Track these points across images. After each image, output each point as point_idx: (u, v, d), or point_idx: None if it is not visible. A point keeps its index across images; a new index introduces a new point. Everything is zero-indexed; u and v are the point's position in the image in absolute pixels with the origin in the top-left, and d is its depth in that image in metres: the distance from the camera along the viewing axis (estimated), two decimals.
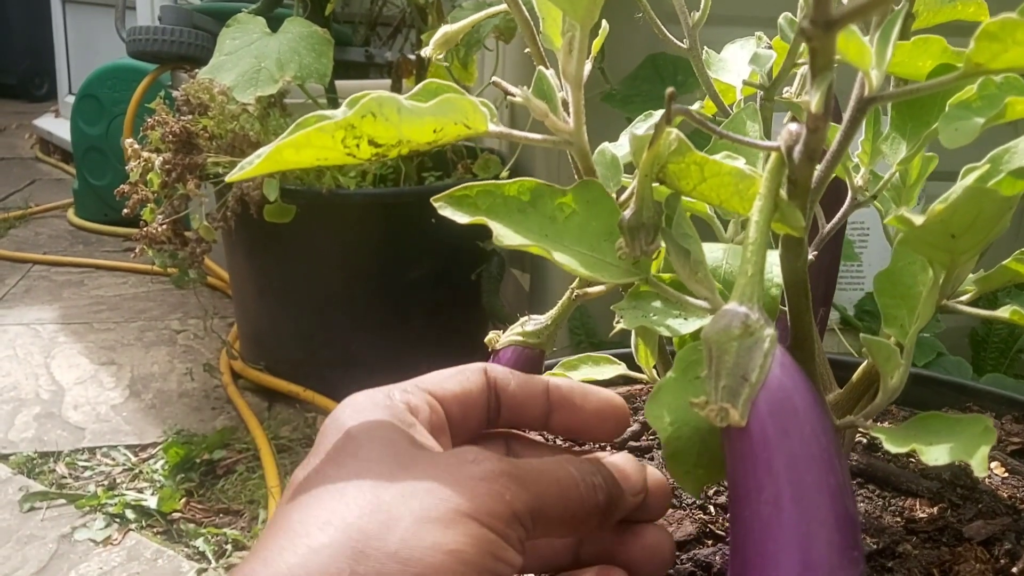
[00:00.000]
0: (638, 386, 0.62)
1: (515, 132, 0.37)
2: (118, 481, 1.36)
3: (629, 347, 0.51)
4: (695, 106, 0.54)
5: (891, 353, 0.38)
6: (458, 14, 1.28)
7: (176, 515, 1.28)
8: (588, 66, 0.40)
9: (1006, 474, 0.53)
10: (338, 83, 1.57)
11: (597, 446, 0.51)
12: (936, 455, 0.33)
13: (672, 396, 0.36)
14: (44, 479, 1.36)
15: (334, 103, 1.51)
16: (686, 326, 0.37)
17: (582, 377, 0.52)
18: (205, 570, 1.16)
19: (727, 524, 0.46)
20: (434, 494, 0.30)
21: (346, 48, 1.82)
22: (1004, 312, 0.38)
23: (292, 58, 1.31)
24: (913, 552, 0.44)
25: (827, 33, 0.24)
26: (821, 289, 0.56)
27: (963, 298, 0.41)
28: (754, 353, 0.29)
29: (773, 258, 0.37)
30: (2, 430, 1.49)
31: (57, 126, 3.34)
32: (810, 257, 0.44)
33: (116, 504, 1.28)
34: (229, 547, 1.21)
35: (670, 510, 0.48)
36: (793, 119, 0.30)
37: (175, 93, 1.39)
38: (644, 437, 0.56)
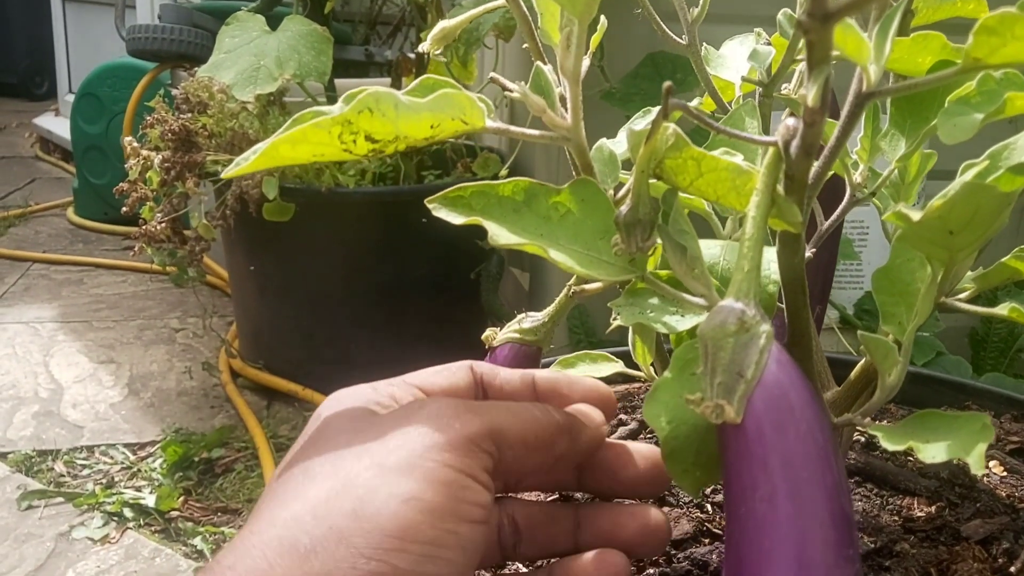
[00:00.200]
0: (636, 384, 0.62)
1: (512, 128, 0.37)
2: (116, 479, 1.36)
3: (627, 345, 0.51)
4: (694, 102, 0.53)
5: (889, 351, 0.38)
6: (458, 12, 1.28)
7: (174, 514, 1.28)
8: (586, 62, 0.40)
9: (1005, 473, 0.52)
10: (338, 82, 1.56)
11: None
12: (933, 453, 0.32)
13: (669, 395, 0.36)
14: (42, 477, 1.36)
15: (333, 102, 1.51)
16: (683, 323, 0.37)
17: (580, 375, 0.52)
18: (203, 569, 1.16)
19: (724, 523, 0.46)
20: (386, 444, 0.30)
21: (346, 47, 1.82)
22: (1003, 309, 0.38)
23: (291, 56, 1.31)
24: (911, 551, 0.44)
25: (824, 26, 0.24)
26: (819, 286, 0.56)
27: (962, 295, 0.41)
28: (750, 349, 0.29)
29: (770, 254, 0.37)
30: (1, 428, 1.49)
31: (57, 125, 3.34)
32: (808, 254, 0.44)
33: (114, 502, 1.28)
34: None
35: (666, 508, 0.48)
36: (792, 115, 0.30)
37: (174, 91, 1.39)
38: (642, 436, 0.56)
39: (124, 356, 1.77)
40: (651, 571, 0.44)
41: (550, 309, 0.46)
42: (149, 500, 1.29)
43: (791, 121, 0.28)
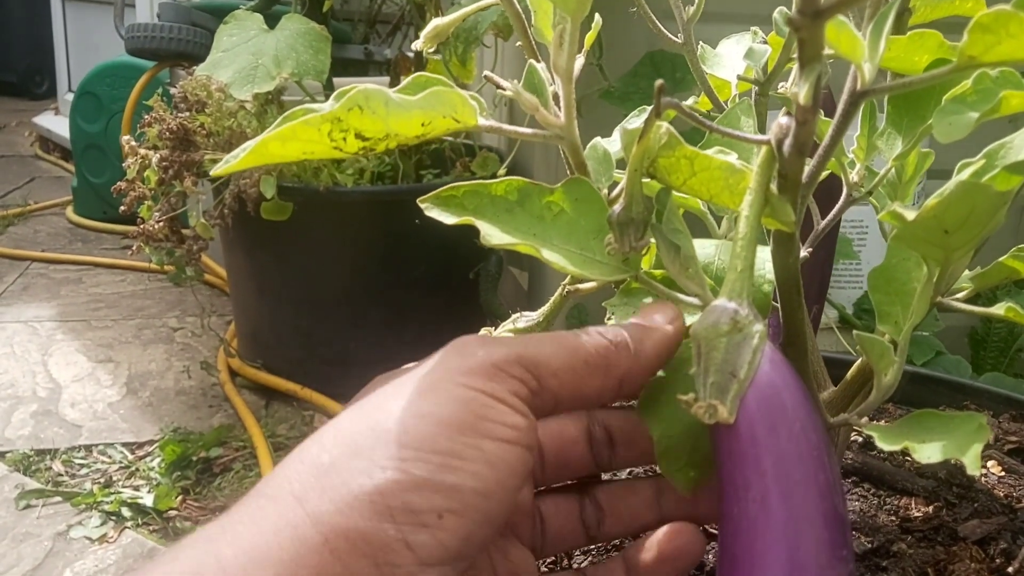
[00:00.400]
0: None
1: (505, 126, 0.36)
2: (114, 479, 1.36)
3: None
4: (689, 101, 0.53)
5: (885, 350, 0.38)
6: (456, 11, 1.28)
7: (172, 513, 1.28)
8: (581, 60, 0.39)
9: (1003, 473, 0.52)
10: (337, 80, 1.56)
11: None
12: (929, 453, 0.32)
13: (663, 394, 0.35)
14: (40, 477, 1.36)
15: None
16: None
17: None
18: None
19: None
20: (410, 377, 0.31)
21: (345, 45, 1.82)
22: (999, 309, 0.38)
23: (289, 55, 1.31)
24: (908, 551, 0.44)
25: (815, 23, 0.23)
26: (815, 286, 0.56)
27: (959, 295, 0.41)
28: (743, 349, 0.29)
29: (766, 254, 0.37)
30: None
31: (57, 123, 3.34)
32: (805, 254, 0.44)
33: (112, 502, 1.28)
34: None
35: None
36: (787, 113, 0.30)
37: (173, 90, 1.39)
38: None
39: (122, 355, 1.77)
40: None
41: (544, 308, 0.46)
42: (147, 499, 1.29)
43: (784, 120, 0.28)
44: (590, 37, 0.42)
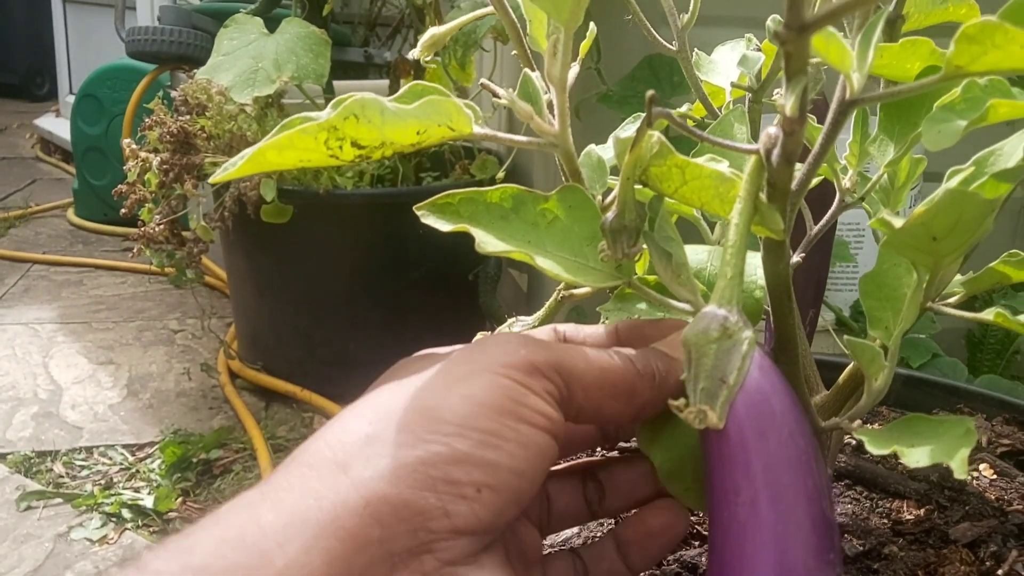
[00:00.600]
0: None
1: (500, 134, 0.37)
2: (115, 480, 1.36)
3: None
4: (684, 107, 0.54)
5: (875, 355, 0.38)
6: (456, 14, 1.28)
7: (172, 514, 1.28)
8: (576, 68, 0.40)
9: (994, 476, 0.53)
10: (337, 83, 1.57)
11: None
12: (917, 457, 0.33)
13: (660, 419, 0.36)
14: (41, 478, 1.36)
15: None
16: None
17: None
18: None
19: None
20: (453, 363, 0.32)
21: (345, 48, 1.82)
22: (988, 315, 0.38)
23: (289, 59, 1.31)
24: (899, 554, 0.44)
25: (800, 36, 0.24)
26: (811, 290, 0.56)
27: (951, 300, 0.41)
28: (732, 355, 0.29)
29: (758, 260, 0.37)
30: (0, 429, 1.49)
31: (58, 126, 3.35)
32: (798, 259, 0.45)
33: (112, 503, 1.28)
34: None
35: None
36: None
37: (173, 93, 1.39)
38: None
39: (123, 357, 1.77)
40: (641, 574, 0.44)
41: (540, 313, 0.46)
42: (147, 501, 1.29)
43: (772, 130, 0.29)
44: (585, 45, 0.43)
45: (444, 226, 0.35)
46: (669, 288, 0.35)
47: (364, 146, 0.33)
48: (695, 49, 0.52)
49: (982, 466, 0.53)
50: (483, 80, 0.42)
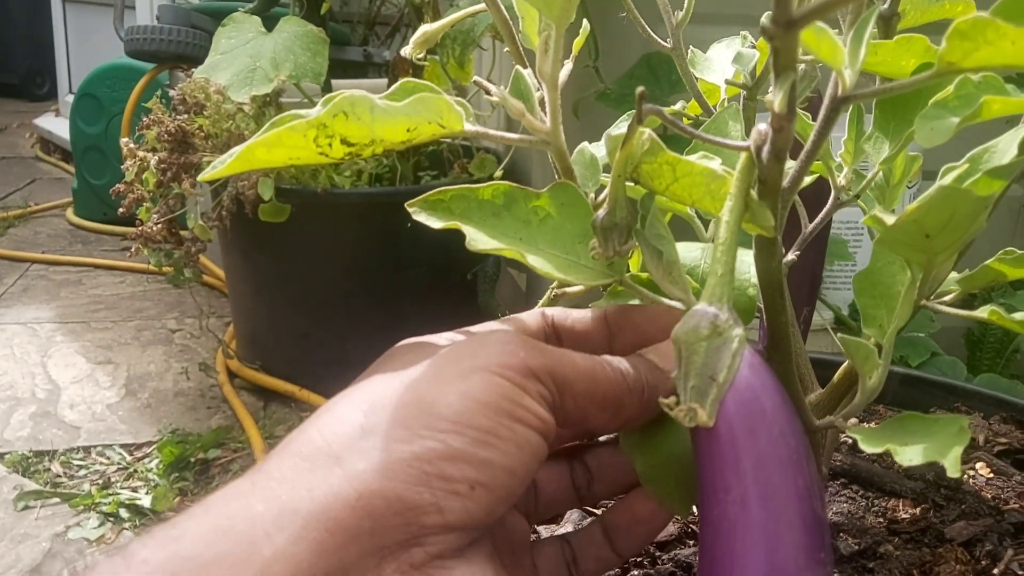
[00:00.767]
0: None
1: (491, 131, 0.37)
2: (112, 480, 1.36)
3: None
4: (678, 105, 0.54)
5: (869, 354, 0.38)
6: (453, 13, 1.28)
7: (170, 514, 1.28)
8: (569, 65, 0.40)
9: (991, 475, 0.52)
10: (335, 82, 1.56)
11: None
12: (910, 455, 0.32)
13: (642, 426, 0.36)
14: (39, 478, 1.36)
15: None
16: None
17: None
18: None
19: None
20: (451, 358, 0.32)
21: (344, 47, 1.82)
22: (983, 313, 0.38)
23: (287, 57, 1.31)
24: (895, 553, 0.44)
25: (788, 32, 0.24)
26: (806, 288, 0.56)
27: (946, 298, 0.41)
28: (722, 353, 0.29)
29: (751, 258, 0.37)
30: None
31: (57, 125, 3.35)
32: (793, 257, 0.44)
33: (110, 503, 1.28)
34: None
35: None
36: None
37: (171, 92, 1.39)
38: None
39: (121, 357, 1.77)
40: (635, 573, 0.44)
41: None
42: (145, 501, 1.29)
43: (762, 127, 0.28)
44: (578, 43, 0.43)
45: (435, 223, 0.35)
46: (661, 286, 0.35)
47: (354, 143, 0.33)
48: (690, 47, 0.52)
49: (979, 465, 0.53)
50: (476, 78, 0.42)
